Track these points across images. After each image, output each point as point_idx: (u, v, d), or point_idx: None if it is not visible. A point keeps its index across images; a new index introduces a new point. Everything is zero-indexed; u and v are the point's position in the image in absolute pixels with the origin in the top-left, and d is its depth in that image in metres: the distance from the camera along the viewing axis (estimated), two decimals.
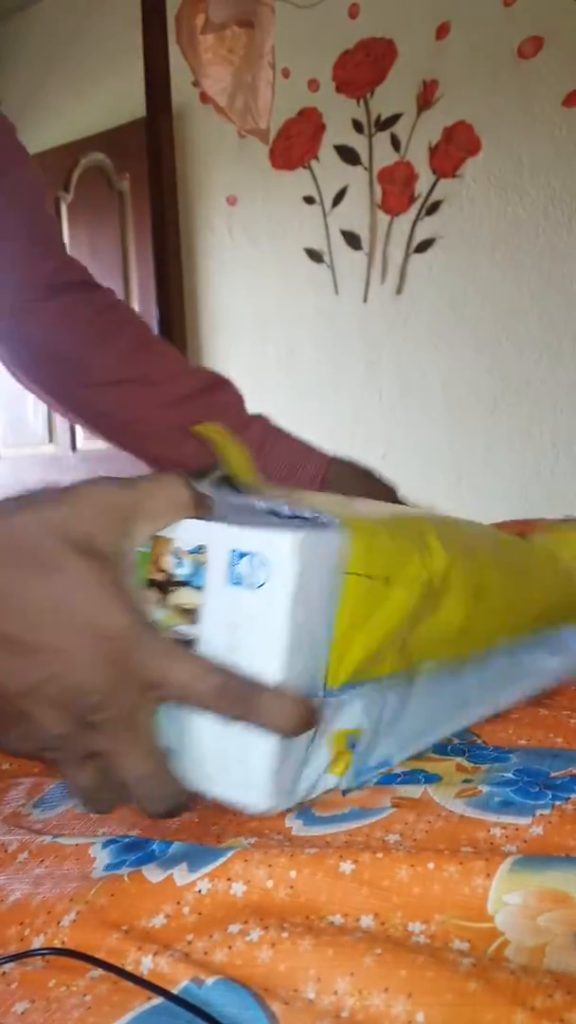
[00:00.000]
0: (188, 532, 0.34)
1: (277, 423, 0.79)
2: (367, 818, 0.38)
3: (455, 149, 2.07)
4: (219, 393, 0.79)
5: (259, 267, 2.39)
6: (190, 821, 0.41)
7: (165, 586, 0.34)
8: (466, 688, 0.47)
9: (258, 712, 0.32)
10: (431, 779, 0.42)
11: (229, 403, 0.78)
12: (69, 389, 0.78)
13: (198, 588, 0.34)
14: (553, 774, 0.41)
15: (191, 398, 0.77)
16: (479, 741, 0.47)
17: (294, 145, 2.28)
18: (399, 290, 2.18)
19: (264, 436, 0.77)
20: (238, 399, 0.79)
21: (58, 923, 0.32)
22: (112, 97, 2.56)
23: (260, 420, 0.78)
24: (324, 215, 2.27)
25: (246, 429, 0.76)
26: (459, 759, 0.45)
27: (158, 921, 0.32)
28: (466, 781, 0.41)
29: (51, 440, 2.77)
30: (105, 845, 0.37)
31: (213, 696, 0.32)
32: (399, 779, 0.43)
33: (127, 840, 0.37)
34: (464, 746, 0.47)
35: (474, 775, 0.42)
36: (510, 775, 0.41)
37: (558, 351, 1.98)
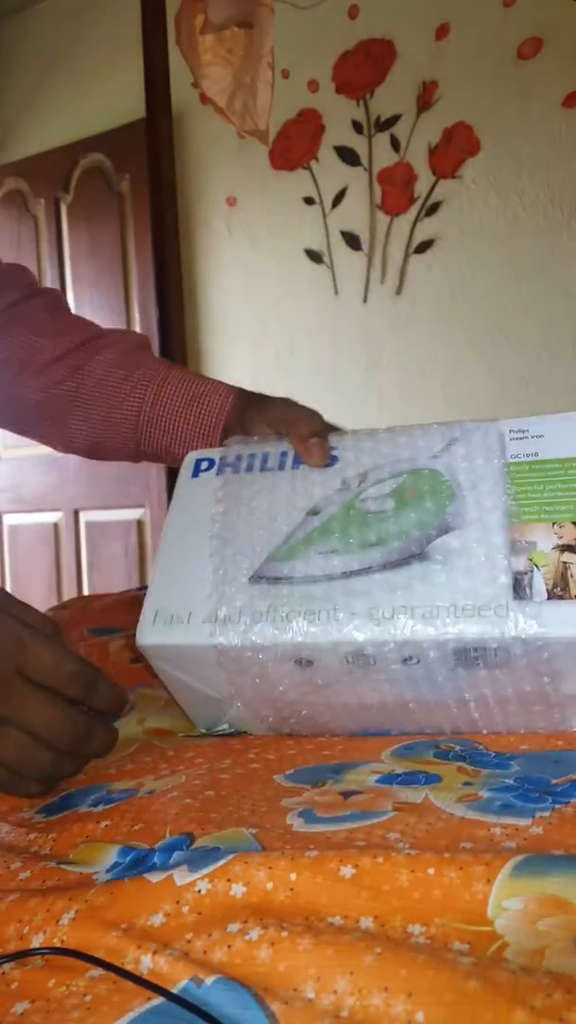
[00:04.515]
0: None
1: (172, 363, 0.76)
2: (368, 820, 0.38)
3: (455, 150, 2.07)
4: (92, 347, 0.75)
5: (259, 267, 2.39)
6: (191, 807, 0.41)
7: None
8: None
9: (96, 696, 0.45)
10: (431, 780, 0.42)
11: (107, 347, 0.75)
12: None
13: None
14: (554, 781, 0.41)
15: (59, 361, 0.74)
16: (480, 748, 0.47)
17: (294, 146, 2.28)
18: (399, 290, 2.18)
19: (157, 373, 0.73)
20: (119, 343, 0.75)
21: (57, 921, 0.32)
22: (112, 98, 2.55)
23: (150, 360, 0.74)
24: (324, 216, 2.27)
25: (136, 370, 0.73)
26: (460, 763, 0.45)
27: (157, 920, 0.32)
28: (467, 784, 0.41)
29: None
30: (109, 870, 0.37)
31: (71, 677, 0.43)
32: (399, 779, 0.43)
33: (129, 858, 0.37)
34: (466, 752, 0.47)
35: (475, 778, 0.42)
36: (511, 782, 0.41)
37: (558, 351, 1.98)
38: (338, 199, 2.24)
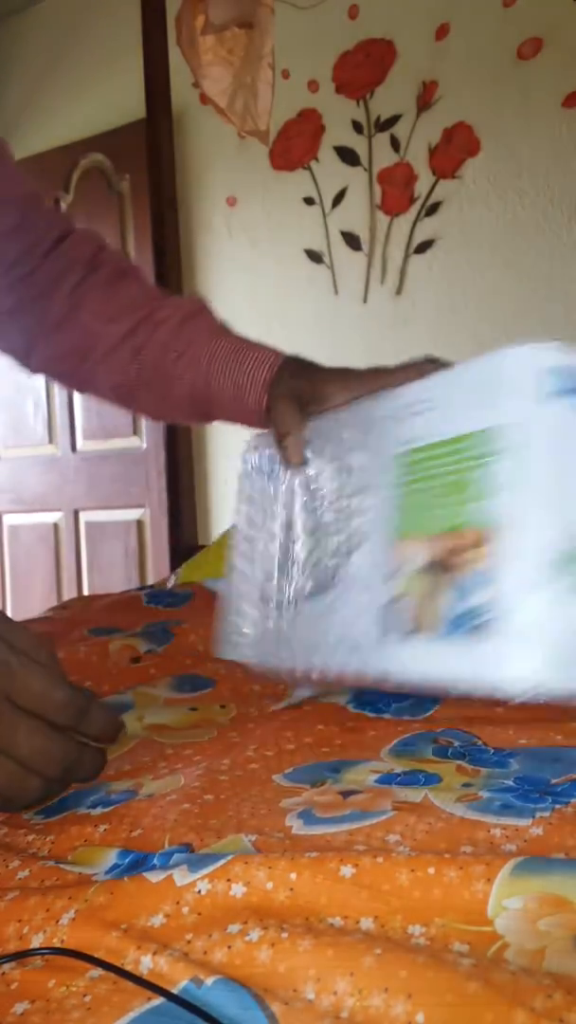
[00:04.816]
0: None
1: (223, 327, 0.74)
2: (367, 819, 0.38)
3: (455, 150, 2.07)
4: (147, 326, 0.74)
5: (259, 268, 2.39)
6: (190, 812, 0.41)
7: None
8: None
9: (88, 724, 0.44)
10: (431, 780, 0.42)
11: (160, 326, 0.74)
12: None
13: None
14: (554, 780, 0.41)
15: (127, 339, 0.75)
16: (479, 743, 0.47)
17: (294, 146, 2.28)
18: (399, 291, 2.18)
19: (205, 350, 0.72)
20: (175, 315, 0.74)
21: (57, 921, 0.32)
22: (112, 98, 2.55)
23: (200, 333, 0.73)
24: (324, 216, 2.27)
25: (188, 347, 0.72)
26: (459, 761, 0.45)
27: (157, 920, 0.32)
28: (466, 785, 0.41)
29: (51, 440, 2.77)
30: (109, 871, 0.37)
31: (60, 705, 0.43)
32: (398, 779, 0.43)
33: (128, 860, 0.38)
34: (464, 749, 0.47)
35: (474, 778, 0.42)
36: (510, 783, 0.41)
37: None
38: (338, 199, 2.24)
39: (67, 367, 0.79)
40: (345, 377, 0.61)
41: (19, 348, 0.79)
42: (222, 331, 0.73)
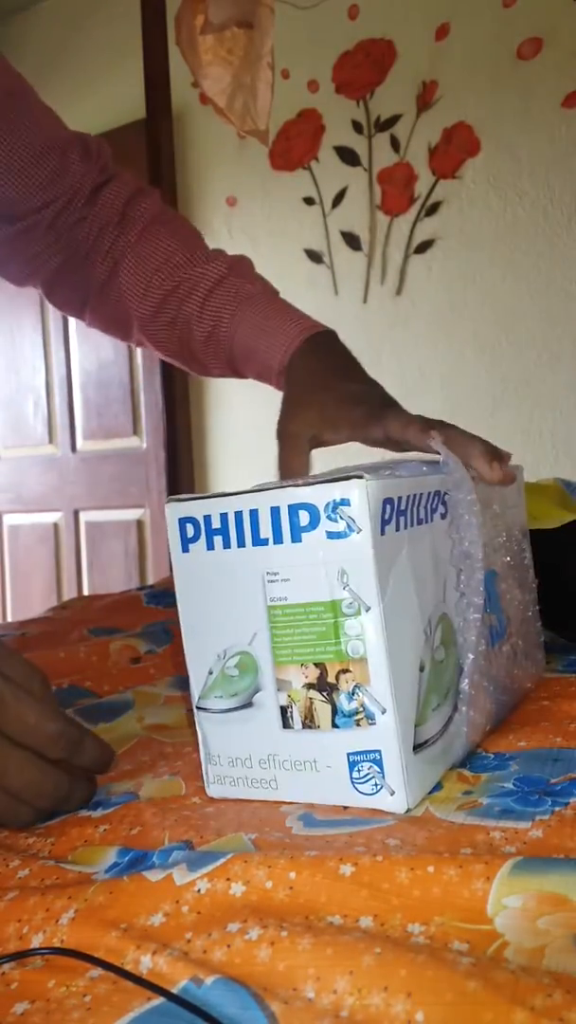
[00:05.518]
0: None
1: (245, 293, 0.74)
2: (368, 825, 0.38)
3: (454, 150, 2.07)
4: (177, 296, 0.74)
5: (259, 268, 2.39)
6: (190, 815, 0.41)
7: None
8: None
9: (80, 755, 0.44)
10: (432, 788, 0.42)
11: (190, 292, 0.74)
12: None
13: None
14: (552, 780, 0.41)
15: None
16: (480, 750, 0.47)
17: (294, 146, 2.28)
18: (399, 291, 2.18)
19: (229, 331, 0.73)
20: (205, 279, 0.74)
21: (56, 921, 0.32)
22: (112, 98, 2.55)
23: (225, 305, 0.73)
24: (324, 216, 2.27)
25: (216, 326, 0.73)
26: (460, 769, 0.45)
27: (156, 919, 0.32)
28: (466, 793, 0.41)
29: (51, 440, 2.77)
30: (108, 870, 0.37)
31: (53, 738, 0.42)
32: None
33: (127, 858, 0.38)
34: (466, 758, 0.47)
35: (475, 785, 0.42)
36: (510, 785, 0.41)
37: (558, 351, 1.98)
38: (338, 199, 2.24)
39: (115, 332, 0.80)
40: (343, 417, 0.63)
41: (74, 307, 0.80)
42: (244, 302, 0.74)
